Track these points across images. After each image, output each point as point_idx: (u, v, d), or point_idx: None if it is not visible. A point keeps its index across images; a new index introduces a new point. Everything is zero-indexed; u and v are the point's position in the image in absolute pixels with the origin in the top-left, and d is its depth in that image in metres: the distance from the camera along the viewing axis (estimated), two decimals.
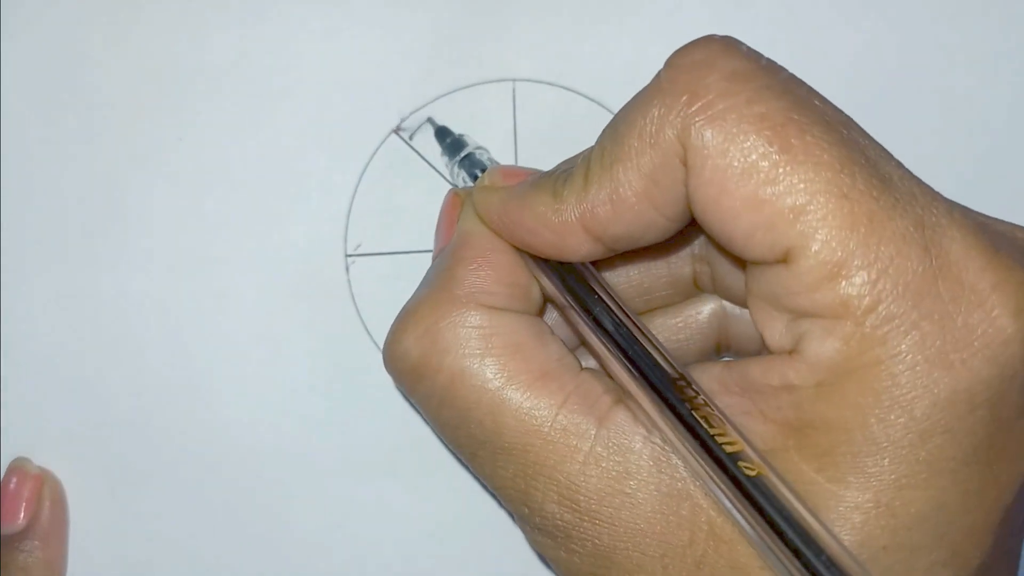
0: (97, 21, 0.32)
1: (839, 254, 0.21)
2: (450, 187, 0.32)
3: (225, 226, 0.32)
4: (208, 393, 0.32)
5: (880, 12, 0.32)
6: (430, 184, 0.32)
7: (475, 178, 0.29)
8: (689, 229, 0.25)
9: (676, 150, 0.22)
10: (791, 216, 0.21)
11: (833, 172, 0.21)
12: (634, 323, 0.24)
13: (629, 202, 0.23)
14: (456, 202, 0.28)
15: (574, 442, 0.23)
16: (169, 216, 0.32)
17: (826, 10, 0.32)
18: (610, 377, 0.25)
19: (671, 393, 0.23)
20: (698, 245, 0.28)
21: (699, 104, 0.21)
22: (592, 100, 0.32)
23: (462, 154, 0.30)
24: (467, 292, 0.25)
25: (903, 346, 0.20)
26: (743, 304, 0.28)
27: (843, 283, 0.21)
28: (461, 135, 0.31)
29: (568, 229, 0.24)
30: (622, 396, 0.24)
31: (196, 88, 0.32)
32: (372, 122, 0.32)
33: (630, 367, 0.24)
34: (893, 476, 0.21)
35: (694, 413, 0.22)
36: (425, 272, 0.27)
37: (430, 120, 0.32)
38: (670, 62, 0.23)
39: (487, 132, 0.32)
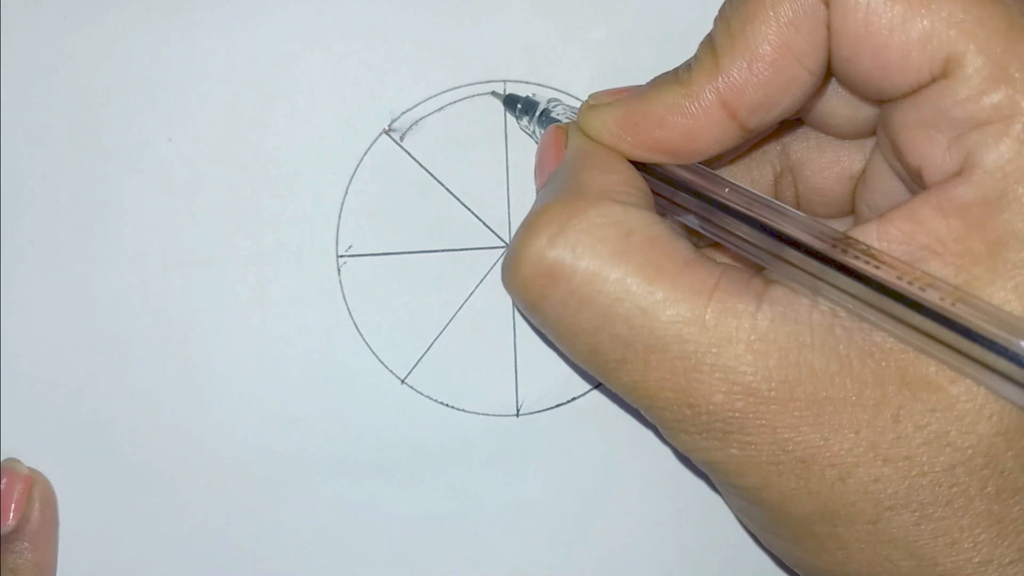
0: (87, 21, 0.32)
1: (1002, 52, 0.20)
2: (444, 189, 0.32)
3: (216, 227, 0.32)
4: (199, 394, 0.32)
5: None
6: (421, 185, 0.32)
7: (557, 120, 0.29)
8: (768, 139, 0.24)
9: None
10: (948, 23, 0.20)
11: None
12: (769, 201, 0.23)
13: (769, 58, 0.22)
14: (559, 133, 0.27)
15: (735, 322, 0.22)
16: (160, 217, 0.32)
17: None
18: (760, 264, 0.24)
19: (836, 252, 0.21)
20: (779, 160, 0.28)
21: None
22: (581, 101, 0.32)
23: (538, 111, 0.30)
24: (598, 191, 0.23)
25: None
26: (830, 212, 0.28)
27: (1011, 80, 0.20)
28: (529, 95, 0.31)
29: (704, 110, 0.23)
30: (772, 278, 0.23)
31: (186, 88, 0.32)
32: (363, 122, 0.32)
33: (786, 241, 0.22)
34: None
35: (867, 261, 0.21)
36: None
37: (494, 93, 0.31)
38: None
39: (477, 133, 0.32)
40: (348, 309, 0.32)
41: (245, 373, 0.32)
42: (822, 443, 0.21)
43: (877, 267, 0.21)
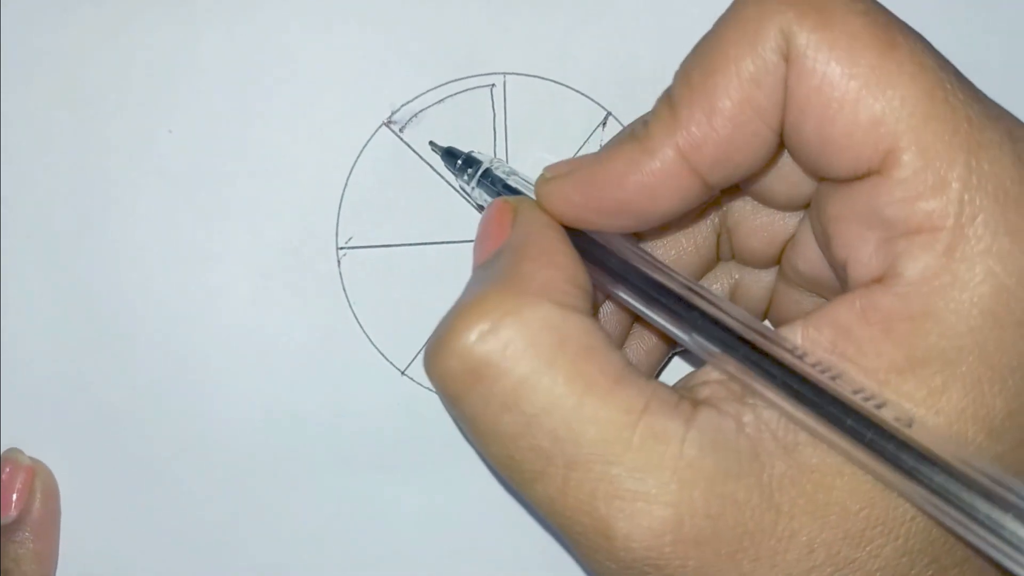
0: (88, 15, 0.32)
1: (942, 158, 0.20)
2: (444, 182, 0.32)
3: (216, 219, 0.32)
4: (200, 386, 0.32)
5: None
6: (421, 176, 0.32)
7: (505, 187, 0.28)
8: (710, 205, 0.24)
9: (778, 45, 0.21)
10: (897, 113, 0.20)
11: (935, 75, 0.20)
12: (715, 297, 0.23)
13: (728, 112, 0.21)
14: (506, 208, 0.25)
15: (663, 448, 0.21)
16: (161, 210, 0.32)
17: None
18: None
19: (787, 359, 0.21)
20: (717, 218, 0.28)
21: (799, 1, 0.21)
22: (582, 94, 0.32)
23: (481, 170, 0.29)
24: (538, 287, 0.22)
25: (1010, 258, 0.19)
26: (762, 264, 0.28)
27: (948, 189, 0.20)
28: (471, 151, 0.30)
29: (664, 167, 0.22)
30: (701, 398, 0.22)
31: (187, 81, 0.32)
32: (363, 115, 0.32)
33: (732, 340, 0.22)
34: (1005, 401, 0.20)
35: (819, 376, 0.20)
36: (468, 281, 0.25)
37: (432, 143, 0.31)
38: None
39: (476, 125, 0.32)
40: (348, 301, 0.32)
41: (245, 365, 0.32)
42: None
43: (830, 377, 0.20)
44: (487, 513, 0.32)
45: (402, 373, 0.32)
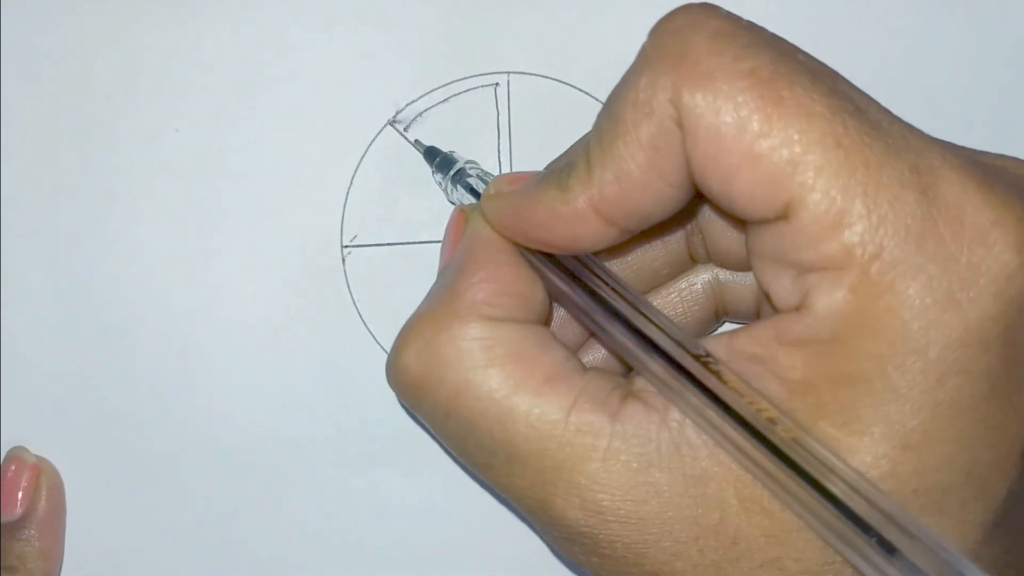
0: (93, 13, 0.32)
1: (839, 203, 0.20)
2: (443, 192, 0.32)
3: (221, 217, 0.32)
4: (204, 383, 0.32)
5: (867, 10, 0.32)
6: (425, 175, 0.32)
7: (470, 190, 0.29)
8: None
9: (671, 113, 0.22)
10: (788, 169, 0.21)
11: (825, 121, 0.21)
12: (644, 306, 0.24)
13: (634, 176, 0.22)
14: (461, 217, 0.28)
15: (590, 440, 0.23)
16: (165, 208, 0.32)
17: (817, 8, 0.32)
18: (624, 366, 0.25)
19: (695, 368, 0.22)
20: (689, 219, 0.28)
21: (687, 65, 0.21)
22: (584, 92, 0.32)
23: (453, 170, 0.30)
24: (467, 305, 0.24)
25: (911, 290, 0.20)
26: (738, 268, 0.29)
27: (845, 232, 0.20)
28: (450, 152, 0.31)
29: (579, 217, 0.23)
30: (631, 391, 0.24)
31: (192, 80, 0.32)
32: (367, 114, 0.32)
33: (649, 349, 0.23)
34: (915, 421, 0.21)
35: (721, 384, 0.22)
36: (418, 264, 0.27)
37: (417, 142, 0.32)
38: (654, 31, 0.23)
39: (480, 124, 0.32)
40: (352, 299, 0.32)
41: (249, 362, 0.32)
42: (668, 559, 0.23)
43: (733, 389, 0.22)
44: (488, 509, 0.32)
45: None
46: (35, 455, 0.32)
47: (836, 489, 0.20)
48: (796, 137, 0.21)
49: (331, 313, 0.32)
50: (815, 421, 0.21)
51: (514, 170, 0.32)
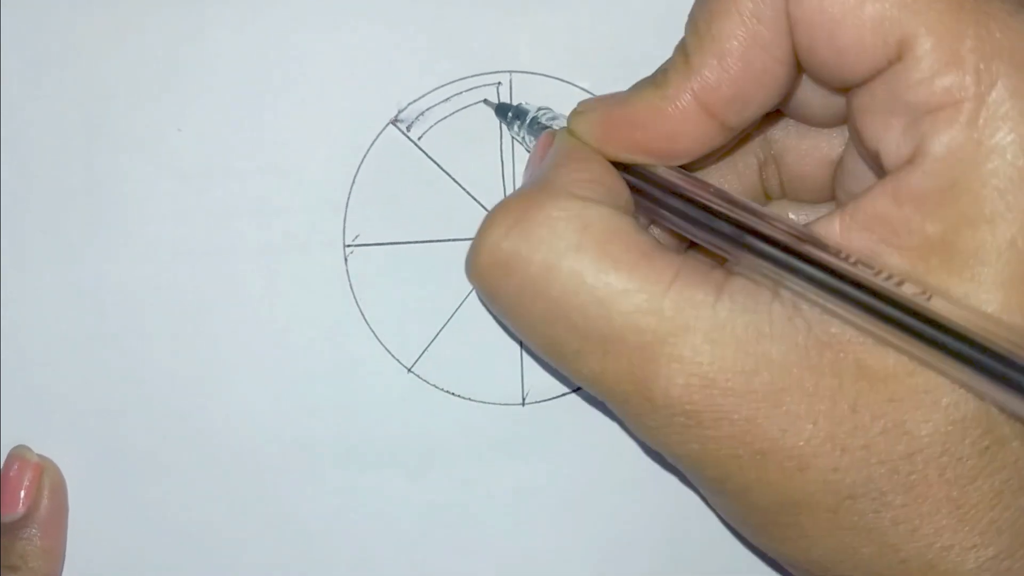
0: (97, 12, 0.32)
1: (952, 35, 0.20)
2: (450, 180, 0.32)
3: (223, 217, 0.32)
4: (208, 383, 0.32)
5: None
6: (428, 175, 0.32)
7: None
8: (752, 134, 0.24)
9: None
10: (901, 5, 0.20)
11: None
12: (743, 202, 0.24)
13: (737, 52, 0.22)
14: (549, 138, 0.27)
15: (693, 312, 0.22)
16: (169, 207, 0.32)
17: None
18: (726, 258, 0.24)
19: (809, 249, 0.21)
20: (762, 150, 0.28)
21: None
22: (588, 92, 0.32)
23: (528, 117, 0.30)
24: (560, 185, 0.23)
25: None
26: (813, 199, 0.28)
27: (961, 63, 0.20)
28: (519, 103, 0.31)
29: (681, 111, 0.23)
30: (734, 271, 0.23)
31: (195, 79, 0.32)
32: (370, 113, 0.32)
33: (757, 235, 0.22)
34: None
35: (838, 259, 0.21)
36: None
37: (486, 100, 0.32)
38: None
39: (484, 123, 0.32)
40: (355, 298, 0.32)
41: (253, 362, 0.32)
42: (780, 434, 0.21)
43: (847, 260, 0.21)
44: (492, 510, 0.32)
45: (408, 370, 0.32)
46: (37, 454, 0.32)
47: (983, 334, 0.19)
48: None
49: (334, 312, 0.32)
50: (944, 277, 0.20)
51: (517, 172, 0.32)
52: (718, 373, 0.21)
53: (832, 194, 0.28)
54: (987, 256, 0.20)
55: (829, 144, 0.27)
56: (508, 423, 0.32)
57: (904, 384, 0.21)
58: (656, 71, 0.24)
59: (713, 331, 0.22)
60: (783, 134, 0.28)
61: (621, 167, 0.25)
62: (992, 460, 0.21)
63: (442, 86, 0.32)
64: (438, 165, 0.32)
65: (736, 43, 0.22)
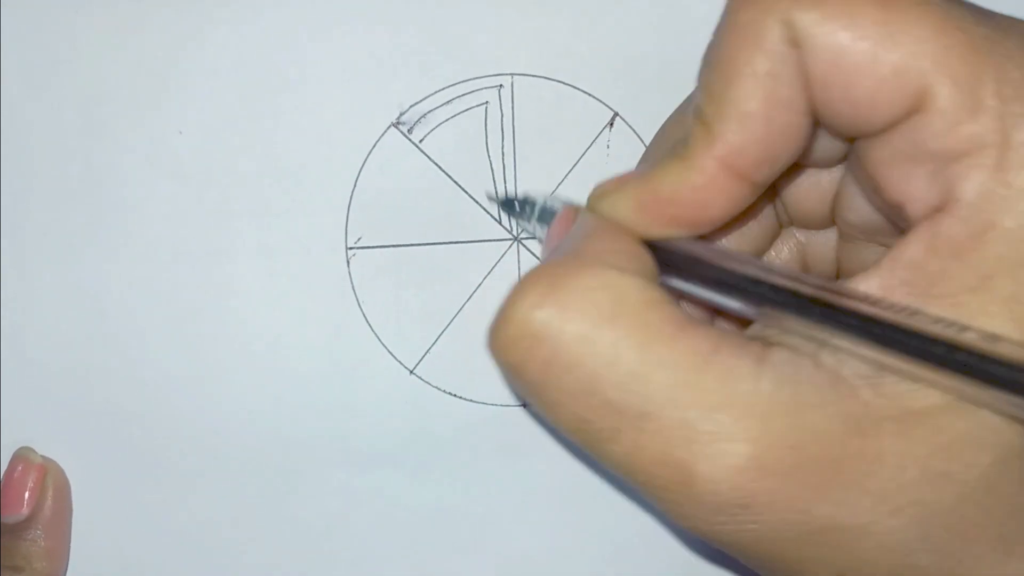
0: (97, 14, 0.32)
1: (972, 81, 0.20)
2: (452, 182, 0.32)
3: (226, 219, 0.32)
4: (210, 384, 0.32)
5: None
6: (429, 177, 0.32)
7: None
8: None
9: (784, 35, 0.21)
10: (915, 58, 0.20)
11: (939, 8, 0.20)
12: (775, 268, 0.23)
13: (757, 113, 0.22)
14: (570, 213, 0.27)
15: (735, 385, 0.21)
16: (171, 209, 0.32)
17: None
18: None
19: (853, 303, 0.20)
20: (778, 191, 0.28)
21: None
22: (589, 94, 0.32)
23: (538, 207, 0.30)
24: (593, 255, 0.22)
25: None
26: (817, 225, 0.28)
27: (984, 108, 0.20)
28: (524, 194, 0.31)
29: (710, 180, 0.22)
30: (771, 340, 0.22)
31: (196, 82, 0.32)
32: (371, 116, 0.32)
33: (804, 300, 0.22)
34: None
35: (886, 311, 0.20)
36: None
37: (487, 194, 0.32)
38: None
39: (484, 126, 0.32)
40: (357, 300, 0.32)
41: (255, 364, 0.32)
42: (834, 509, 0.21)
43: (903, 312, 0.21)
44: (494, 511, 0.33)
45: (411, 372, 0.32)
46: (41, 456, 0.32)
47: None
48: (915, 27, 0.20)
49: (336, 315, 0.32)
50: (983, 320, 0.20)
51: (518, 172, 0.32)
52: (765, 450, 0.20)
53: (831, 222, 0.28)
54: (1022, 295, 0.20)
55: (829, 178, 0.27)
56: (509, 425, 0.32)
57: (948, 433, 0.21)
58: (675, 143, 0.23)
59: (757, 404, 0.20)
60: (784, 173, 0.28)
61: (646, 243, 0.24)
62: None
63: (443, 88, 0.32)
64: (440, 168, 0.32)
65: (756, 104, 0.22)
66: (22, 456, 0.32)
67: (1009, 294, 0.20)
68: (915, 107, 0.21)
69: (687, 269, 0.24)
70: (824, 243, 0.29)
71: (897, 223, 0.23)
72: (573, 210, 0.27)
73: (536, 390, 0.22)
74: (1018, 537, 0.21)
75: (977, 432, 0.21)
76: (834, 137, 0.25)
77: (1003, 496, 0.21)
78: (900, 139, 0.21)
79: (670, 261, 0.24)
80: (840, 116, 0.22)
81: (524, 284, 0.22)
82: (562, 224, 0.27)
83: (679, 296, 0.26)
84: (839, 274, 0.29)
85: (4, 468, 0.32)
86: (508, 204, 0.32)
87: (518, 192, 0.32)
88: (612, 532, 0.33)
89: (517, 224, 0.32)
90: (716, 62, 0.22)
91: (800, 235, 0.29)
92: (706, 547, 0.33)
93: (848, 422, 0.21)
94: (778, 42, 0.21)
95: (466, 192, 0.32)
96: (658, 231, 0.24)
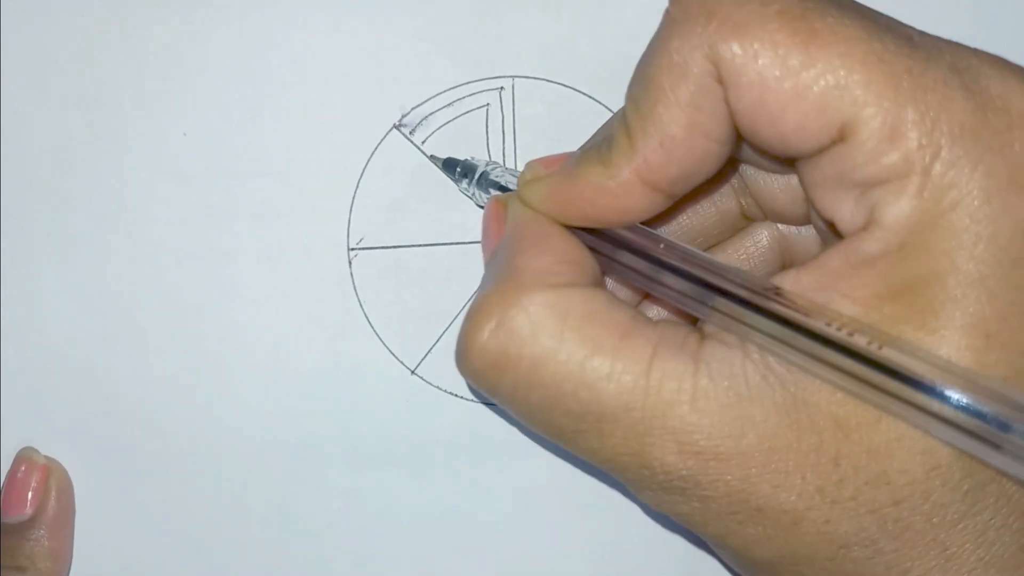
0: (99, 15, 0.32)
1: (893, 113, 0.21)
2: (453, 184, 0.32)
3: (229, 220, 0.32)
4: (212, 384, 0.32)
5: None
6: (431, 178, 0.32)
7: (501, 189, 0.30)
8: (727, 171, 0.25)
9: (709, 70, 0.22)
10: (837, 92, 0.21)
11: (863, 42, 0.21)
12: (700, 256, 0.25)
13: (679, 138, 0.23)
14: (499, 205, 0.28)
15: (675, 385, 0.23)
16: (174, 210, 0.32)
17: None
18: (686, 320, 0.25)
19: (766, 301, 0.22)
20: (736, 178, 0.29)
21: (717, 19, 0.22)
22: (589, 96, 0.33)
23: (477, 174, 0.30)
24: (531, 276, 0.24)
25: (973, 183, 0.21)
26: (796, 222, 0.29)
27: (904, 139, 0.21)
28: (467, 158, 0.31)
29: (627, 189, 0.24)
30: (705, 334, 0.24)
31: (200, 84, 0.32)
32: (373, 117, 0.32)
33: (717, 292, 0.24)
34: (993, 308, 0.21)
35: (795, 312, 0.22)
36: (488, 272, 0.27)
37: (433, 157, 0.32)
38: None
39: (485, 128, 0.33)
40: (359, 301, 0.32)
41: (257, 364, 0.32)
42: (772, 491, 0.22)
43: (805, 314, 0.22)
44: (496, 510, 0.33)
45: (412, 372, 0.33)
46: (45, 456, 0.32)
47: (936, 381, 0.20)
48: (838, 61, 0.21)
49: (338, 315, 0.32)
50: (895, 328, 0.21)
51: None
52: (707, 440, 0.22)
53: (807, 217, 0.29)
54: (933, 310, 0.21)
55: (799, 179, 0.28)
56: (511, 424, 0.33)
57: (877, 434, 0.22)
58: (601, 144, 0.25)
59: (696, 400, 0.23)
60: (753, 171, 0.28)
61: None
62: (974, 503, 0.22)
63: (445, 91, 0.33)
64: (441, 169, 0.32)
65: (677, 130, 0.23)
66: (25, 456, 0.32)
67: (922, 304, 0.21)
68: (839, 137, 0.22)
69: (609, 255, 0.26)
70: (806, 236, 0.29)
71: (835, 235, 0.24)
72: (501, 203, 0.28)
73: (510, 407, 0.25)
74: (959, 548, 0.22)
75: (906, 439, 0.22)
76: (769, 159, 0.26)
77: (940, 504, 0.22)
78: (827, 165, 0.22)
79: (598, 248, 0.26)
80: (767, 144, 0.23)
81: (476, 316, 0.24)
82: (494, 217, 0.28)
83: (617, 281, 0.28)
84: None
85: (7, 468, 0.32)
86: (449, 165, 0.32)
87: (462, 157, 0.32)
88: (612, 532, 0.33)
89: (458, 186, 0.32)
90: (645, 81, 0.23)
91: (783, 228, 0.30)
92: (705, 547, 0.33)
93: (782, 414, 0.22)
94: (702, 74, 0.22)
95: (466, 194, 0.32)
96: (578, 224, 0.26)
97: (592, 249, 0.26)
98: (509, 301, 0.24)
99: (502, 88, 0.32)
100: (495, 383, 0.24)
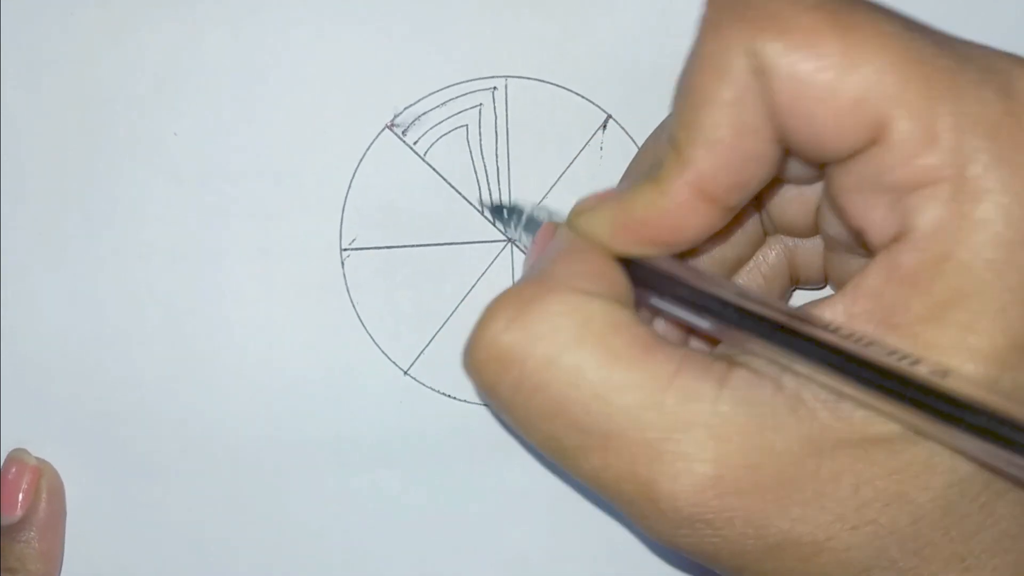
0: (93, 15, 0.32)
1: (929, 114, 0.20)
2: (446, 184, 0.32)
3: (221, 220, 0.32)
4: (204, 386, 0.32)
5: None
6: (424, 178, 0.32)
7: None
8: None
9: (749, 67, 0.21)
10: (874, 91, 0.21)
11: (899, 41, 0.21)
12: (745, 290, 0.24)
13: (727, 140, 0.22)
14: (550, 229, 0.27)
15: (696, 406, 0.21)
16: (166, 210, 0.32)
17: None
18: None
19: (812, 330, 0.21)
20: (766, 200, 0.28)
21: (754, 17, 0.21)
22: (583, 97, 0.32)
23: (525, 216, 0.30)
24: (559, 280, 0.23)
25: (1011, 185, 0.20)
26: (802, 234, 0.28)
27: (939, 141, 0.20)
28: (514, 203, 0.32)
29: (682, 205, 0.23)
30: (736, 361, 0.23)
31: (192, 83, 0.32)
32: (366, 117, 0.32)
33: (768, 326, 0.22)
34: None
35: (846, 340, 0.21)
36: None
37: (481, 203, 0.32)
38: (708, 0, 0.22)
39: (478, 128, 0.32)
40: (352, 302, 0.32)
41: (250, 365, 0.32)
42: (791, 525, 0.22)
43: (859, 342, 0.21)
44: (489, 512, 0.33)
45: (405, 373, 0.32)
46: (36, 457, 0.32)
47: (989, 405, 0.19)
48: (875, 60, 0.21)
49: (330, 316, 0.32)
50: (939, 350, 0.21)
51: (512, 174, 0.32)
52: (724, 469, 0.21)
53: (817, 230, 0.28)
54: (977, 324, 0.21)
55: (812, 191, 0.28)
56: (504, 425, 0.33)
57: (903, 457, 0.21)
58: (651, 166, 0.24)
59: (716, 425, 0.21)
60: (766, 187, 0.28)
61: (621, 260, 0.25)
62: (991, 513, 0.22)
63: (438, 91, 0.32)
64: (434, 169, 0.32)
65: (723, 132, 0.22)
66: (16, 458, 0.32)
67: (962, 325, 0.21)
68: (874, 138, 0.21)
69: (659, 287, 0.25)
70: (812, 249, 0.29)
71: (862, 245, 0.24)
72: (554, 225, 0.27)
73: (507, 409, 0.23)
74: (976, 558, 0.22)
75: (932, 457, 0.21)
76: (807, 163, 0.25)
77: (959, 517, 0.22)
78: (861, 168, 0.22)
79: (645, 278, 0.25)
80: (804, 144, 0.22)
81: (494, 308, 0.23)
82: (543, 239, 0.27)
83: (656, 313, 0.27)
84: (827, 279, 0.29)
85: None
86: (497, 211, 0.32)
87: (508, 200, 0.32)
88: (608, 532, 0.33)
89: (505, 230, 0.32)
90: (686, 90, 0.23)
91: (788, 241, 0.29)
92: None
93: (806, 443, 0.21)
94: (743, 71, 0.22)
95: (460, 194, 0.32)
96: (633, 251, 0.24)
97: (635, 283, 0.25)
98: (531, 297, 0.23)
99: (495, 88, 0.32)
100: (496, 380, 0.23)
